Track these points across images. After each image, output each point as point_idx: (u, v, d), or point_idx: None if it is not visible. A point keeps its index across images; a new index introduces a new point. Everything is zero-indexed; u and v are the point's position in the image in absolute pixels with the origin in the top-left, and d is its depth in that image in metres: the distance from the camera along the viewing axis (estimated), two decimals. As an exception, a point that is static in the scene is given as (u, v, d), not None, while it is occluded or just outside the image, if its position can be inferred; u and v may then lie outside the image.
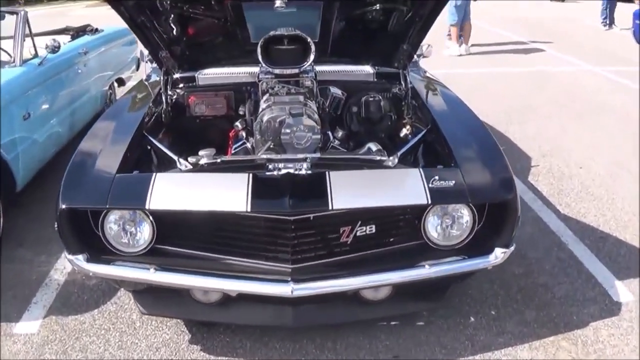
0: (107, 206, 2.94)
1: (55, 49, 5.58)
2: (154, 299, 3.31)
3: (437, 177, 3.04)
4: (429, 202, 2.97)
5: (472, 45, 12.56)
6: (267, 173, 3.07)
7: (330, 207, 2.87)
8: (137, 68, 8.42)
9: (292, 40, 3.83)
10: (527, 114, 8.05)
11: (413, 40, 4.07)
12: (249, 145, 3.87)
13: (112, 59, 7.63)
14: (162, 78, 4.16)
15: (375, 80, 4.52)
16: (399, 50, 4.23)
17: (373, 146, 3.58)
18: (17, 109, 4.82)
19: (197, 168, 3.20)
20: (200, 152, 3.24)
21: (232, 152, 3.94)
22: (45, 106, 5.44)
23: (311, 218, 2.91)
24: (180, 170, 3.22)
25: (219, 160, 3.21)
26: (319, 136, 3.45)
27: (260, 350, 3.39)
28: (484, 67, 11.27)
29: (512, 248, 3.17)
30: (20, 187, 4.78)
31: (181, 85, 4.47)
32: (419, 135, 3.73)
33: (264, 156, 3.25)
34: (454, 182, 3.04)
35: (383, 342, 3.46)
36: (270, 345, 3.42)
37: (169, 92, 4.20)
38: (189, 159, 3.27)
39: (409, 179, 3.10)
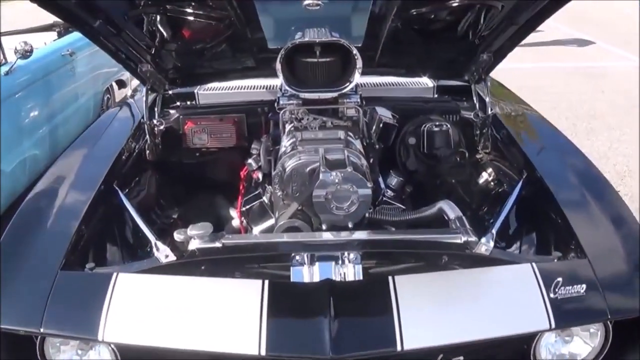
0: (42, 330, 1.83)
1: (26, 53, 4.53)
2: None
3: (560, 280, 1.91)
4: (552, 325, 1.85)
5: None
6: (293, 273, 1.91)
7: (399, 348, 1.72)
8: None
9: (328, 49, 2.66)
10: (592, 123, 6.97)
11: (502, 47, 2.80)
12: (265, 199, 2.72)
13: (108, 58, 6.46)
14: (144, 99, 3.00)
15: (437, 96, 3.35)
16: (475, 59, 2.97)
17: (448, 208, 2.39)
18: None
19: (183, 259, 2.05)
20: (191, 230, 2.09)
21: (242, 206, 2.80)
22: (14, 126, 4.36)
23: None
24: (158, 261, 2.06)
25: (217, 245, 2.06)
26: (369, 193, 2.30)
27: None
28: (528, 61, 9.99)
29: None
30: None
31: (177, 103, 3.34)
32: (515, 191, 2.52)
33: (286, 238, 2.15)
34: (584, 286, 1.92)
35: None
36: None
37: (155, 120, 3.01)
38: (176, 235, 2.15)
39: (517, 283, 1.95)
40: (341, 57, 2.67)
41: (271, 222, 2.60)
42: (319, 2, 2.47)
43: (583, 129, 6.70)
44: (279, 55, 2.58)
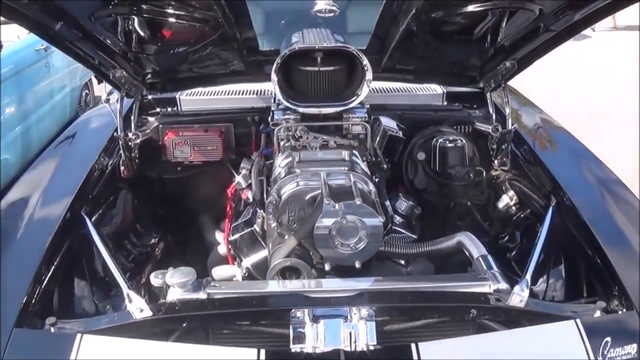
0: None
1: (-5, 50, 4.14)
2: None
3: (609, 340, 1.63)
4: None
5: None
6: (294, 334, 1.59)
7: None
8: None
9: (331, 56, 2.32)
10: (597, 123, 6.69)
11: (529, 55, 2.45)
12: (256, 227, 2.37)
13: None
14: (118, 109, 2.63)
15: (446, 104, 3.02)
16: (493, 66, 2.64)
17: (469, 243, 2.07)
18: None
19: (161, 314, 1.71)
20: (171, 278, 1.74)
21: (231, 234, 2.45)
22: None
23: None
24: (131, 316, 1.71)
25: (202, 297, 1.73)
26: (379, 225, 1.96)
27: None
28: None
29: None
30: None
31: (157, 110, 2.98)
32: (546, 223, 2.19)
33: (282, 288, 1.85)
34: (635, 347, 1.65)
35: None
36: None
37: (131, 134, 2.64)
38: (153, 278, 1.81)
39: (561, 347, 1.65)
40: (347, 64, 2.34)
41: (263, 253, 2.27)
42: (334, 9, 2.12)
43: (586, 128, 6.33)
44: (275, 65, 2.23)
